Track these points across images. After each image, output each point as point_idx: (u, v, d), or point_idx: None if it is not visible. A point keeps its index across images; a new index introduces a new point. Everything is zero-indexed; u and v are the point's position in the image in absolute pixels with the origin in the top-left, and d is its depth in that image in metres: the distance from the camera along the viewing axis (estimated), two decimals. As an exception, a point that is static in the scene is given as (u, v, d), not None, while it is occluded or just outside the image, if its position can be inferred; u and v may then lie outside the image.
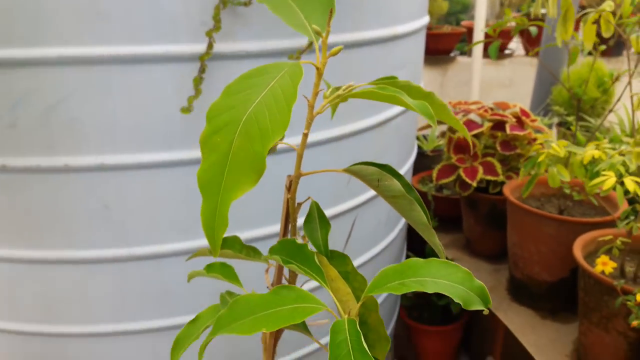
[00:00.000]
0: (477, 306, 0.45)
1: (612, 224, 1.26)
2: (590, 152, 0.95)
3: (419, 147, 2.13)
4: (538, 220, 1.32)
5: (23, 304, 0.98)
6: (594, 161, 0.94)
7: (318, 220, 0.54)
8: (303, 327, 0.53)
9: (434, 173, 1.57)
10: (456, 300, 0.45)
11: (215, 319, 0.46)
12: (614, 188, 0.89)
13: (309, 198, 0.57)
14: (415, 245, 1.89)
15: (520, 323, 1.39)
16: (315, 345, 1.21)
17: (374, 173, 0.51)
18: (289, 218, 0.57)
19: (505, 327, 1.40)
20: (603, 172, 0.89)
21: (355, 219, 1.16)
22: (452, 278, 0.46)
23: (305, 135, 0.51)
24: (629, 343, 1.10)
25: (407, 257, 1.78)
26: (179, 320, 1.00)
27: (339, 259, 0.53)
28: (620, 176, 0.87)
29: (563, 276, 1.36)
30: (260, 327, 0.44)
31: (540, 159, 1.10)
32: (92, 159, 0.84)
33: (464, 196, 1.62)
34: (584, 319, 1.19)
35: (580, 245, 1.19)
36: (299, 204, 0.57)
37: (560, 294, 1.39)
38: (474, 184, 1.50)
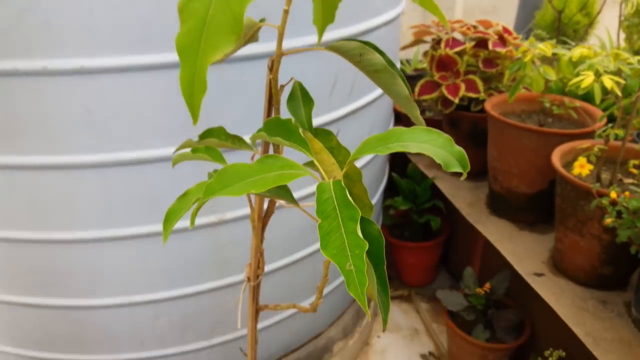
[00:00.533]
0: (456, 168, 0.47)
1: (590, 136, 1.29)
2: (579, 50, 0.96)
3: (402, 70, 2.11)
4: (518, 133, 1.34)
5: (8, 211, 0.98)
6: (582, 60, 0.95)
7: (301, 97, 0.55)
8: (290, 197, 0.54)
9: (417, 88, 1.58)
10: (437, 161, 0.47)
11: (205, 187, 0.47)
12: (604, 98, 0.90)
13: (292, 79, 0.57)
14: (398, 167, 1.92)
15: (499, 234, 1.44)
16: (302, 253, 1.25)
17: (356, 48, 0.51)
18: (272, 100, 0.57)
19: (484, 239, 1.45)
20: (582, 73, 0.91)
21: (338, 133, 1.17)
22: (434, 142, 0.48)
23: (286, 12, 0.51)
24: (603, 246, 1.15)
25: (390, 177, 1.81)
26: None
27: (324, 135, 0.54)
28: (599, 76, 0.89)
29: (541, 188, 1.40)
30: (249, 190, 0.46)
31: (527, 58, 1.11)
32: (71, 61, 0.83)
33: (445, 115, 1.64)
34: (560, 225, 1.23)
35: (559, 155, 1.22)
36: (282, 86, 0.57)
37: (538, 206, 1.43)
38: (456, 101, 1.51)
